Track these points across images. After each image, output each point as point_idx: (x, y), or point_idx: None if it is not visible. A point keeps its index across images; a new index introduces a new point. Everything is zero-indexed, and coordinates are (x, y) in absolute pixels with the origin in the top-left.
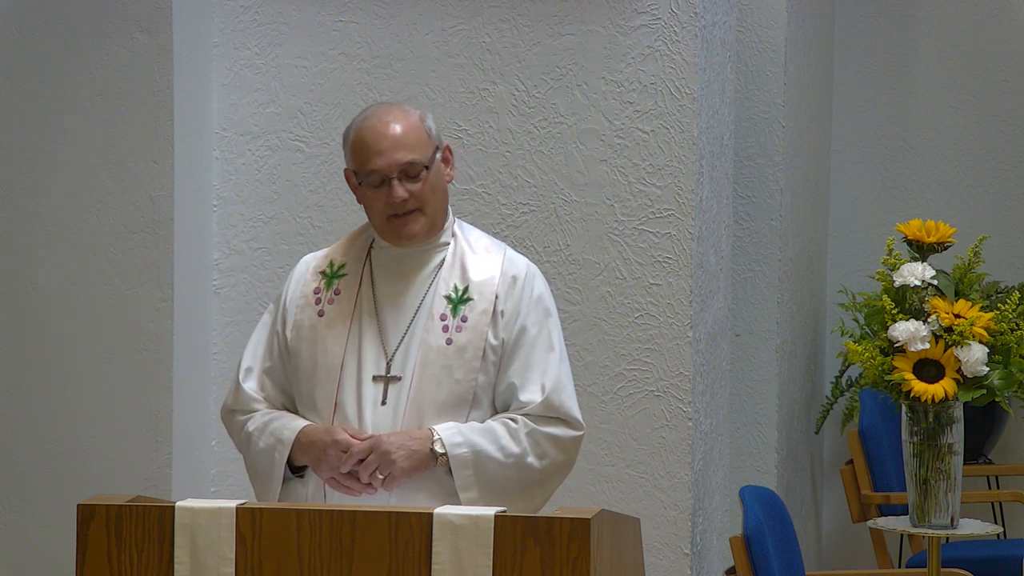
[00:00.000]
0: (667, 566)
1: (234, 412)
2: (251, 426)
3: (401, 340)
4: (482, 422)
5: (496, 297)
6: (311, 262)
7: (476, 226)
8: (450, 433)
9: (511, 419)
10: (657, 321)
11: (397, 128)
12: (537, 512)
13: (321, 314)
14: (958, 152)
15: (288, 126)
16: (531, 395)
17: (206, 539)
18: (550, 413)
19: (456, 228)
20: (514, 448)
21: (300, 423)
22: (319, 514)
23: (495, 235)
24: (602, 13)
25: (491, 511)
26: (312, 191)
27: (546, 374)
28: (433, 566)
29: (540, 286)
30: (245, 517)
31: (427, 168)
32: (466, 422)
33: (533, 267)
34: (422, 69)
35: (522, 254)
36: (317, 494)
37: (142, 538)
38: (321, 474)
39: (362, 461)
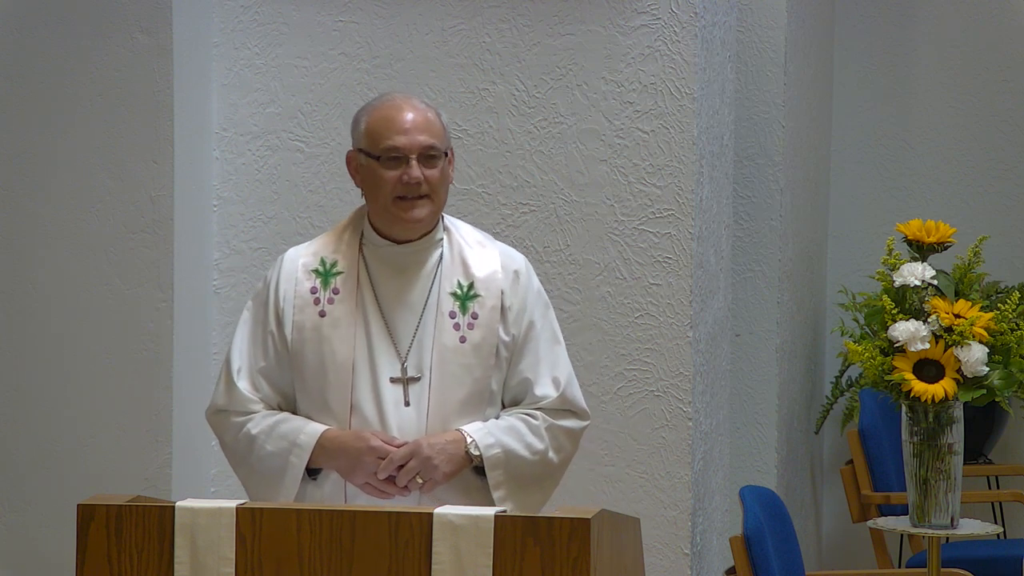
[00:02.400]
0: (667, 566)
1: (227, 413)
2: (253, 428)
3: (412, 339)
4: (496, 417)
5: (502, 293)
6: (298, 259)
7: (476, 226)
8: (482, 435)
9: (530, 415)
10: (657, 321)
11: (421, 113)
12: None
13: (323, 314)
14: (958, 152)
15: (288, 126)
16: (545, 389)
17: (206, 539)
18: (565, 407)
19: (447, 223)
20: (539, 445)
21: (316, 427)
22: (319, 514)
23: (495, 235)
24: (602, 13)
25: (491, 511)
26: (312, 191)
27: (557, 368)
28: (433, 566)
29: (535, 278)
30: (245, 517)
31: (445, 156)
32: (485, 419)
33: (525, 259)
34: (422, 69)
35: (522, 254)
36: (335, 495)
37: (142, 538)
38: (355, 480)
39: (400, 467)
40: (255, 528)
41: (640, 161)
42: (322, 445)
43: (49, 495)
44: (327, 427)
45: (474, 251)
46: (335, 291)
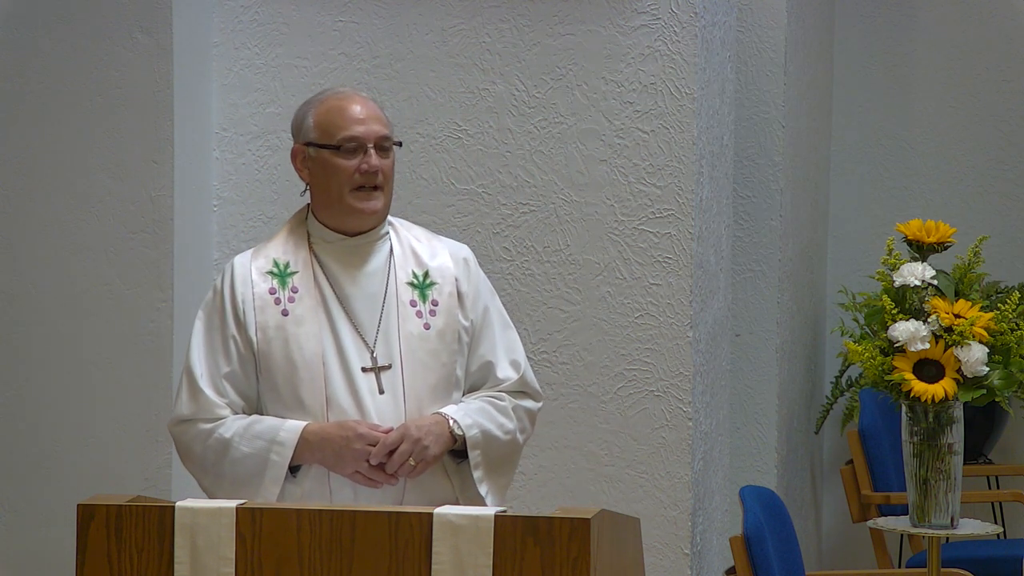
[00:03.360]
0: (667, 566)
1: (192, 421)
2: (226, 432)
3: (378, 330)
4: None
5: (456, 280)
6: (247, 264)
7: (476, 226)
8: (460, 415)
9: (496, 397)
10: (657, 321)
11: (370, 104)
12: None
13: (286, 313)
14: (958, 152)
15: (288, 126)
16: (506, 372)
17: (206, 539)
18: (524, 388)
19: (389, 219)
20: (509, 425)
21: (294, 423)
22: (319, 514)
23: (495, 235)
24: (602, 13)
25: (491, 511)
26: None
27: (514, 351)
28: (433, 566)
29: (479, 267)
30: (245, 517)
31: (396, 146)
32: (454, 404)
33: (469, 248)
34: (422, 69)
35: (522, 254)
36: (317, 490)
37: (142, 538)
38: (343, 470)
39: (391, 452)
40: (255, 528)
41: (640, 161)
42: (306, 439)
43: (49, 495)
44: (306, 422)
45: (422, 243)
46: (294, 290)
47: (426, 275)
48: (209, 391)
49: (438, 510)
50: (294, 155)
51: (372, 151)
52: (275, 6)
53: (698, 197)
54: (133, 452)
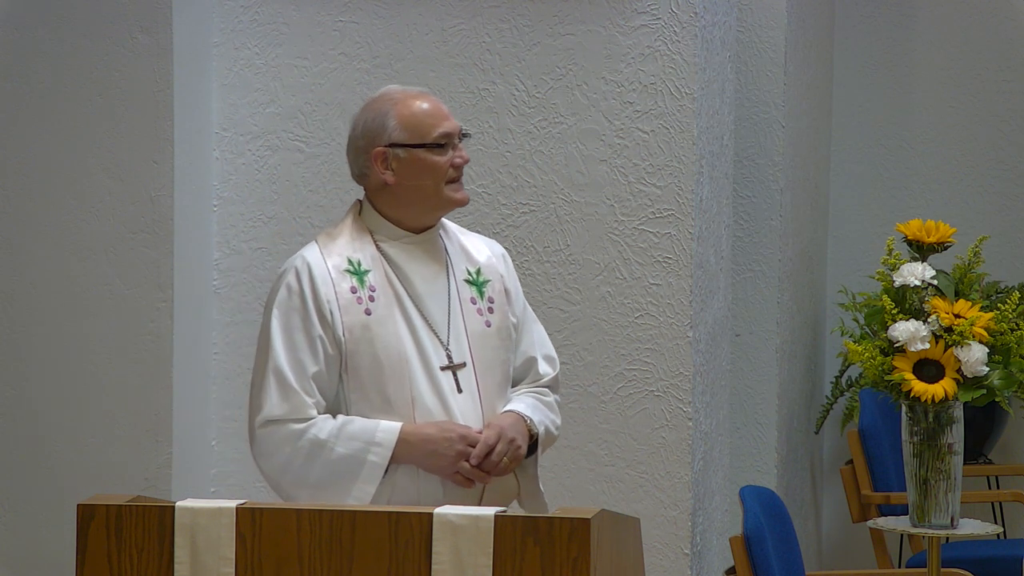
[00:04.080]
0: (667, 566)
1: (282, 422)
2: (320, 433)
3: (448, 328)
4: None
5: (502, 277)
6: (324, 262)
7: (476, 226)
8: (530, 413)
9: (542, 392)
10: (657, 321)
11: (436, 100)
12: None
13: (369, 312)
14: (958, 152)
15: (288, 126)
16: (544, 367)
17: (206, 539)
18: (556, 383)
19: None
20: (557, 420)
21: (389, 424)
22: (319, 514)
23: (495, 235)
24: (602, 13)
25: (491, 511)
26: (312, 191)
27: (546, 346)
28: (433, 566)
29: None
30: (245, 517)
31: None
32: (508, 400)
33: None
34: (422, 69)
35: (522, 254)
36: (406, 491)
37: (142, 538)
38: (443, 469)
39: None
40: (255, 528)
41: (640, 161)
42: (404, 439)
43: (49, 495)
44: (399, 423)
45: (466, 239)
46: (372, 289)
47: (479, 272)
48: (300, 391)
49: (438, 510)
50: (375, 158)
51: (459, 144)
52: (275, 6)
53: (698, 197)
54: (133, 452)
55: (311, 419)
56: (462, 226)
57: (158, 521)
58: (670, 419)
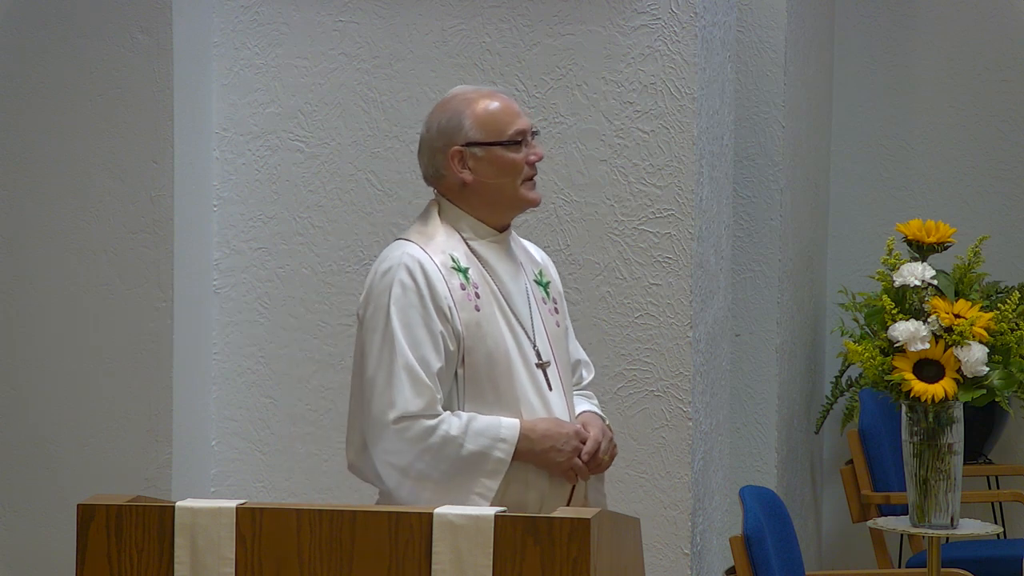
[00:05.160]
0: (667, 566)
1: (417, 417)
2: (451, 429)
3: (532, 327)
4: None
5: (555, 279)
6: (430, 258)
7: None
8: (601, 413)
9: (590, 395)
10: (657, 321)
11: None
12: None
13: (478, 309)
14: (958, 152)
15: (288, 126)
16: (585, 371)
17: (206, 539)
18: (591, 387)
19: None
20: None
21: (510, 421)
22: (319, 514)
23: None
24: (602, 13)
25: (491, 511)
26: (312, 191)
27: (582, 351)
28: (433, 566)
29: None
30: (245, 517)
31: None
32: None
33: None
34: (422, 69)
35: None
36: (515, 487)
37: (142, 538)
38: (559, 466)
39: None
40: (255, 528)
41: (640, 161)
42: (527, 436)
43: (49, 495)
44: (517, 420)
45: (523, 241)
46: (475, 285)
47: (541, 273)
48: (432, 387)
49: (438, 510)
50: (452, 157)
51: (533, 141)
52: (275, 6)
53: (698, 197)
54: (133, 452)
55: (441, 415)
56: None
57: (158, 521)
58: (670, 419)
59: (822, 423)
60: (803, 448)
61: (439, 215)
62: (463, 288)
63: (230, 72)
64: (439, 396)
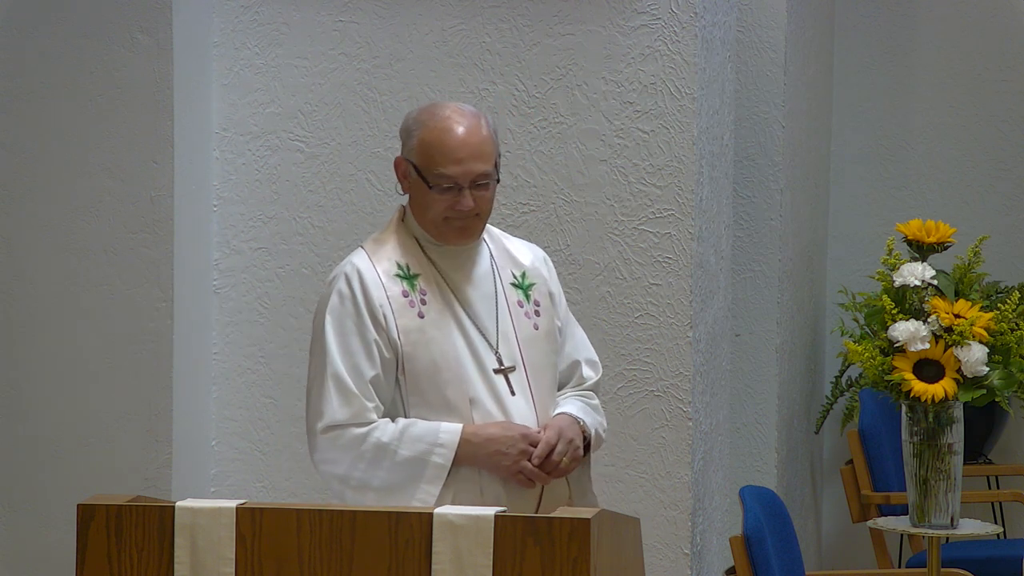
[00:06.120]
0: (667, 566)
1: (346, 427)
2: (383, 436)
3: (497, 331)
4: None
5: (546, 280)
6: (374, 267)
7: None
8: (583, 415)
9: (587, 395)
10: (657, 321)
11: (474, 137)
12: None
13: (422, 316)
14: (958, 152)
15: (288, 126)
16: (588, 370)
17: (206, 539)
18: (598, 387)
19: None
20: (604, 423)
21: (451, 425)
22: (319, 514)
23: None
24: (602, 13)
25: (491, 511)
26: (312, 191)
27: (588, 348)
28: (433, 566)
29: None
30: (245, 517)
31: (496, 179)
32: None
33: None
34: (422, 69)
35: None
36: (467, 491)
37: (142, 538)
38: (506, 469)
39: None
40: (255, 528)
41: (640, 161)
42: (467, 440)
43: (49, 495)
44: (460, 424)
45: (510, 242)
46: (423, 292)
47: (523, 275)
48: (360, 396)
49: (438, 510)
50: (397, 164)
51: (467, 192)
52: (275, 6)
53: (698, 197)
54: (133, 452)
55: (372, 423)
56: None
57: (158, 521)
58: (670, 419)
59: (822, 423)
60: (803, 448)
61: (401, 221)
62: (405, 295)
63: (230, 72)
64: (371, 404)
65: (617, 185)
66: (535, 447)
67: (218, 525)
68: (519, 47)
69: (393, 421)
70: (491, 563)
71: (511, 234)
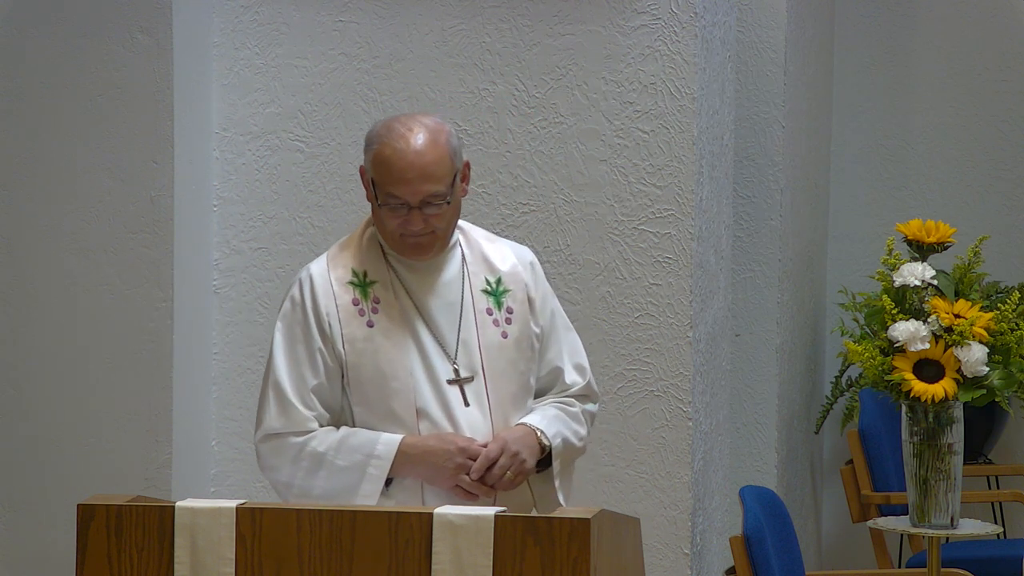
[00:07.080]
0: (667, 566)
1: (283, 435)
2: (319, 446)
3: (457, 340)
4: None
5: (527, 285)
6: (326, 274)
7: (477, 226)
8: (545, 426)
9: (566, 403)
10: (657, 321)
11: (426, 157)
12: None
13: (371, 324)
14: (958, 152)
15: (288, 126)
16: (573, 376)
17: (206, 539)
18: (587, 392)
19: (459, 224)
20: (582, 431)
21: (390, 436)
22: (319, 514)
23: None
24: (602, 13)
25: (491, 511)
26: (312, 191)
27: (577, 355)
28: (433, 566)
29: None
30: (245, 517)
31: (448, 199)
32: (528, 411)
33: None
34: (422, 69)
35: None
36: (410, 503)
37: (142, 538)
38: (443, 483)
39: (490, 466)
40: (255, 528)
41: (640, 161)
42: (404, 452)
43: (49, 495)
44: (401, 435)
45: (491, 246)
46: (376, 300)
47: (499, 281)
48: (299, 404)
49: (438, 510)
50: (361, 173)
51: (415, 212)
52: (275, 6)
53: (698, 197)
54: (133, 452)
55: (310, 432)
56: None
57: (158, 521)
58: (670, 419)
59: (822, 423)
60: (803, 448)
61: (368, 221)
62: (355, 303)
63: (230, 72)
64: (311, 413)
65: (617, 185)
66: (475, 460)
67: (218, 525)
68: (519, 47)
69: (337, 429)
70: (491, 563)
71: (510, 235)
